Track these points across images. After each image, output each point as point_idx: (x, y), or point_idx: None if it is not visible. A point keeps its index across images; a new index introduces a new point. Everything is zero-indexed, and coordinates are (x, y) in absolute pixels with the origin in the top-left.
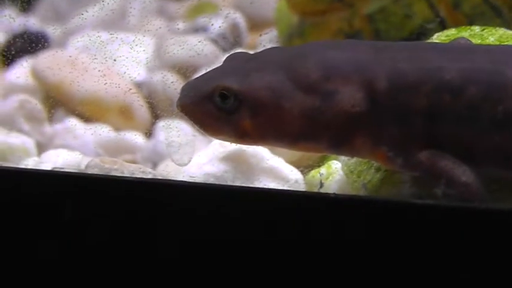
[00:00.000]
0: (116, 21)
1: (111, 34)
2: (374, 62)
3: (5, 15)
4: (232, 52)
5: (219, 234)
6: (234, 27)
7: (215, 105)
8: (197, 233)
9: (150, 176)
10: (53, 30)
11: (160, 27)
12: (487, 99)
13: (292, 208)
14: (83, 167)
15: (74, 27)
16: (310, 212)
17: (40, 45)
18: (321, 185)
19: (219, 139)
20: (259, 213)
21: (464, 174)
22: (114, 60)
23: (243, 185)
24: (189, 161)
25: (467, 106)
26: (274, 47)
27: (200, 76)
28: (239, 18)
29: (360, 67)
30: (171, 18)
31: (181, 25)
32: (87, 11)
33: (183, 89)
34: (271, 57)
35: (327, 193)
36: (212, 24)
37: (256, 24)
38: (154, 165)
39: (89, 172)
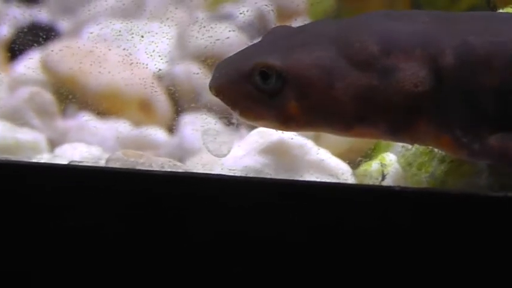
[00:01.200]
0: (132, 11)
1: (127, 23)
2: (439, 35)
3: (11, 8)
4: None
5: (263, 231)
6: (262, 15)
7: (255, 85)
8: (240, 231)
9: (182, 170)
10: (63, 22)
11: (181, 16)
12: None
13: (353, 202)
14: (103, 162)
15: (87, 18)
16: (372, 206)
17: (50, 37)
18: (383, 177)
19: (260, 125)
20: (314, 209)
21: None
22: (132, 50)
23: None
24: (229, 151)
25: None
26: (322, 20)
27: (237, 53)
28: (267, 5)
29: (423, 40)
30: (191, 8)
31: (203, 14)
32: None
33: (217, 68)
34: (319, 30)
35: (390, 186)
36: (241, 13)
37: (285, 12)
38: (180, 161)
39: (112, 166)
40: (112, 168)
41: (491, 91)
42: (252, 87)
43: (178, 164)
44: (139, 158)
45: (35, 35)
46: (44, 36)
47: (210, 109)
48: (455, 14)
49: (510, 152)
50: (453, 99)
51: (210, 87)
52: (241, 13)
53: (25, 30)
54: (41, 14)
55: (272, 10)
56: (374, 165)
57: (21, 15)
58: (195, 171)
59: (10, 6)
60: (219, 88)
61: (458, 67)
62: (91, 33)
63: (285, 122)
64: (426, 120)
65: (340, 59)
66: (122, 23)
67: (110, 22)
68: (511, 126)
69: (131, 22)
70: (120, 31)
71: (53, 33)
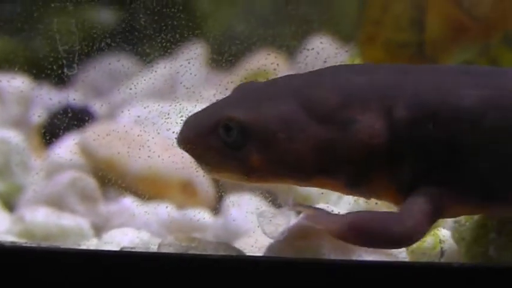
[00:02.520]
0: (166, 92)
1: (162, 105)
2: (394, 88)
3: (42, 93)
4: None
5: None
6: None
7: (219, 139)
8: None
9: (236, 253)
10: (96, 105)
11: (215, 95)
12: (509, 126)
13: (415, 280)
14: (154, 247)
15: (120, 100)
16: (434, 284)
17: (84, 120)
18: (442, 253)
19: (225, 177)
20: None
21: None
22: (169, 132)
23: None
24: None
25: (488, 135)
26: (288, 75)
27: (204, 108)
28: None
29: (379, 93)
30: (224, 87)
31: None
32: (135, 84)
33: (185, 122)
34: (283, 84)
35: (450, 262)
36: None
37: None
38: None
39: (165, 251)
40: (167, 253)
41: (440, 144)
42: (217, 141)
43: (232, 246)
44: (191, 242)
45: (68, 119)
46: (78, 120)
47: (253, 189)
48: (414, 67)
49: (415, 212)
50: (405, 152)
51: (177, 141)
52: None
53: (58, 114)
54: (73, 98)
55: None
56: (428, 241)
57: (53, 99)
58: (251, 254)
59: (42, 90)
60: (185, 142)
61: (409, 120)
62: (127, 114)
63: (249, 174)
64: (381, 172)
65: (301, 112)
66: (156, 104)
67: (144, 104)
68: (459, 179)
69: (166, 103)
70: (155, 113)
71: (87, 117)
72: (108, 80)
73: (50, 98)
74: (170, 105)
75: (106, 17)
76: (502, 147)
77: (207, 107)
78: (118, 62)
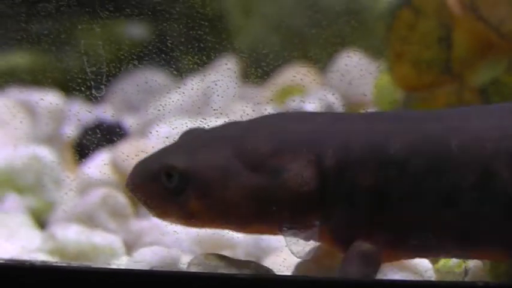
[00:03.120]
0: (199, 108)
1: (195, 121)
2: (324, 136)
3: (75, 108)
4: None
5: None
6: (328, 108)
7: (162, 185)
8: None
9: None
10: (129, 121)
11: (246, 112)
12: (432, 172)
13: None
14: (184, 266)
15: (153, 116)
16: None
17: (117, 136)
18: (466, 272)
19: (168, 221)
20: None
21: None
22: None
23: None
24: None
25: (413, 181)
26: (230, 122)
27: (152, 153)
28: (333, 97)
29: (310, 142)
30: (256, 103)
31: (269, 109)
32: (166, 101)
33: (134, 167)
34: (222, 132)
35: (474, 282)
36: (304, 105)
37: (352, 103)
38: (258, 261)
39: (193, 270)
40: (196, 273)
41: (367, 191)
42: (160, 187)
43: (261, 264)
44: (220, 260)
45: (101, 135)
46: (110, 136)
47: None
48: (345, 114)
49: (365, 266)
50: (336, 199)
51: (126, 185)
52: (304, 104)
53: (90, 130)
54: (106, 113)
55: (339, 103)
56: (454, 259)
57: (86, 114)
58: (278, 273)
59: (74, 105)
60: (132, 187)
61: (338, 168)
62: (159, 130)
63: (189, 219)
64: (314, 218)
65: (235, 160)
66: (189, 120)
67: (177, 120)
68: (385, 227)
69: (199, 119)
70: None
71: (120, 133)
72: (141, 95)
73: (82, 114)
74: (199, 120)
75: (138, 31)
76: (427, 192)
77: (153, 153)
78: (151, 77)
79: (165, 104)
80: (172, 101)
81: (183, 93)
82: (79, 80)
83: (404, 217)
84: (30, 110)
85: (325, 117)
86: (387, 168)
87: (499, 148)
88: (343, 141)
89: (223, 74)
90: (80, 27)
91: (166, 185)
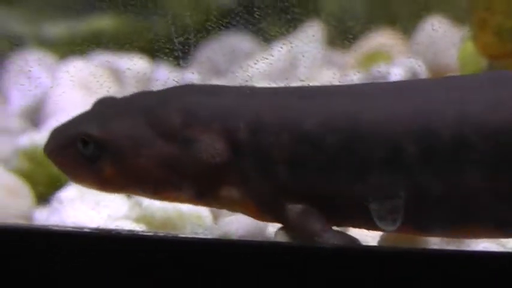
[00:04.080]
0: (284, 73)
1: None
2: (237, 110)
3: (161, 73)
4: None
5: None
6: (414, 75)
7: (78, 151)
8: None
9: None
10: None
11: (334, 78)
12: (344, 148)
13: None
14: (268, 235)
15: (238, 82)
16: None
17: None
18: None
19: (84, 186)
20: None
21: (333, 238)
22: None
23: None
24: None
25: (326, 156)
26: (142, 91)
27: (67, 121)
28: (419, 65)
29: (222, 115)
30: (342, 68)
31: (355, 75)
32: (252, 65)
33: (50, 134)
34: (135, 101)
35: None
36: (388, 72)
37: (437, 71)
38: None
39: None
40: (281, 243)
41: (282, 163)
42: (76, 153)
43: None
44: None
45: None
46: None
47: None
48: (258, 88)
49: (305, 228)
50: (251, 169)
51: (43, 151)
52: (392, 73)
53: None
54: (192, 77)
55: (424, 70)
56: None
57: (172, 79)
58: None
59: (160, 71)
60: (49, 153)
61: (251, 141)
62: None
63: (103, 184)
64: (229, 188)
65: (148, 129)
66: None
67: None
68: (303, 196)
69: (284, 85)
70: None
71: None
72: (228, 61)
73: (169, 80)
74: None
75: None
76: (338, 165)
77: (70, 120)
78: (238, 44)
79: (251, 71)
80: (258, 68)
81: (269, 60)
82: (165, 46)
83: (318, 188)
84: (117, 76)
85: (238, 91)
86: (301, 142)
87: (407, 126)
88: (255, 115)
89: (309, 40)
90: None
91: (82, 152)
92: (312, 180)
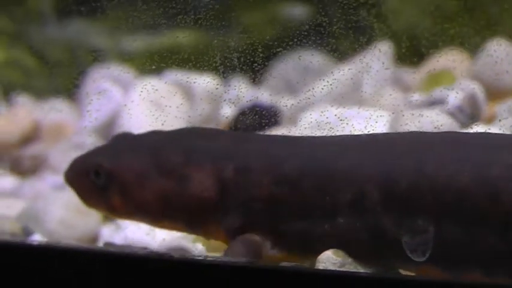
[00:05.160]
0: (348, 94)
1: (342, 109)
2: (227, 154)
3: (232, 89)
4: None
5: None
6: (472, 99)
7: (92, 180)
8: None
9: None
10: (284, 105)
11: (395, 100)
12: (319, 191)
13: None
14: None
15: (305, 102)
16: None
17: (271, 121)
18: None
19: (97, 211)
20: None
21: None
22: None
23: None
24: None
25: (302, 198)
26: (155, 130)
27: (86, 152)
28: (477, 88)
29: (214, 157)
30: (406, 89)
31: (416, 97)
32: (320, 84)
33: (71, 162)
34: (145, 139)
35: None
36: (448, 96)
37: (497, 95)
38: None
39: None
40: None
41: (261, 202)
42: (89, 181)
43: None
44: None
45: (258, 117)
46: (267, 120)
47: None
48: (249, 135)
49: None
50: (233, 205)
51: (63, 178)
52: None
53: (247, 111)
54: (263, 95)
55: (483, 94)
56: None
57: (243, 95)
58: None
59: (231, 87)
60: (68, 180)
61: (237, 181)
62: (308, 117)
63: (112, 211)
64: (213, 219)
65: (152, 166)
66: (337, 108)
67: (328, 107)
68: (277, 232)
69: (346, 107)
70: (337, 117)
71: (275, 117)
72: (299, 76)
73: (240, 95)
74: (346, 108)
75: (298, 13)
76: (311, 205)
77: (89, 151)
78: (309, 60)
79: (317, 88)
80: (326, 86)
81: (336, 77)
82: (238, 61)
83: (291, 224)
84: (188, 94)
85: (232, 136)
86: (279, 184)
87: (372, 173)
88: (242, 160)
89: (378, 59)
90: (241, 6)
91: (95, 181)
92: (288, 219)
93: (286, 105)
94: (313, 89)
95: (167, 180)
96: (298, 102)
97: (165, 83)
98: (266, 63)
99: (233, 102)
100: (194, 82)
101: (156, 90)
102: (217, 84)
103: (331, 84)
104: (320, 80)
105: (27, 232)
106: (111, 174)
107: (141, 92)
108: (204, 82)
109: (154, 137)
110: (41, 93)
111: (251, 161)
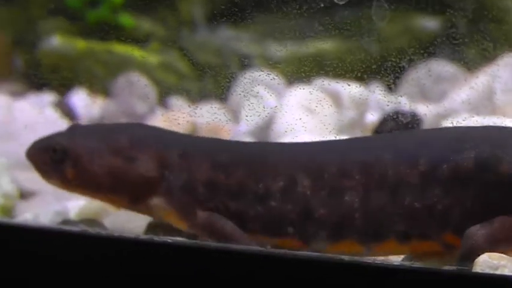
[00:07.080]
0: (482, 102)
1: (479, 116)
2: (172, 141)
3: (376, 96)
4: None
5: None
6: None
7: (49, 156)
8: None
9: None
10: (422, 110)
11: None
12: (251, 178)
13: None
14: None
15: (443, 109)
16: None
17: (414, 126)
18: None
19: (52, 184)
20: None
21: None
22: None
23: None
24: None
25: (236, 183)
26: (107, 123)
27: (47, 135)
28: None
29: (159, 143)
30: None
31: None
32: (456, 92)
33: (34, 141)
34: (98, 128)
35: None
36: None
37: None
38: None
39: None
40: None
41: (202, 183)
42: (48, 157)
43: None
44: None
45: (399, 123)
46: (409, 125)
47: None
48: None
49: (212, 227)
50: (177, 185)
51: (25, 154)
52: None
53: (390, 117)
54: (403, 101)
55: None
56: None
57: (385, 102)
58: None
59: (375, 93)
60: (29, 156)
61: (179, 164)
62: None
63: (65, 183)
64: (157, 198)
65: (102, 146)
66: (474, 117)
67: (466, 116)
68: (219, 208)
69: (482, 116)
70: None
71: (416, 122)
72: (433, 84)
73: (382, 102)
74: (489, 118)
75: (430, 24)
76: (245, 189)
77: (47, 135)
78: (441, 67)
79: (456, 96)
80: (460, 94)
81: (471, 86)
82: (377, 67)
83: (229, 206)
84: (336, 100)
85: (180, 134)
86: (217, 171)
87: (300, 160)
88: (187, 147)
89: (508, 67)
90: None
91: (52, 157)
92: (224, 201)
93: (424, 113)
94: (450, 97)
95: (115, 158)
96: (438, 110)
97: (315, 89)
98: (402, 70)
99: (377, 109)
100: (340, 89)
101: (307, 95)
102: (362, 90)
103: (466, 93)
104: (455, 88)
105: None
106: (66, 151)
107: (293, 97)
108: (350, 88)
109: (107, 126)
110: (193, 96)
111: (194, 150)
